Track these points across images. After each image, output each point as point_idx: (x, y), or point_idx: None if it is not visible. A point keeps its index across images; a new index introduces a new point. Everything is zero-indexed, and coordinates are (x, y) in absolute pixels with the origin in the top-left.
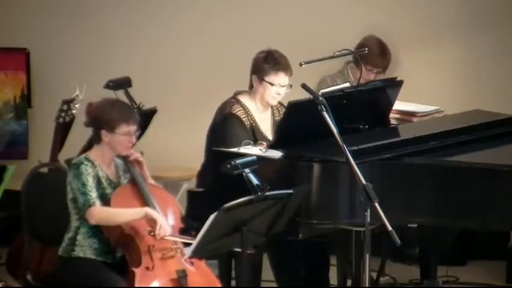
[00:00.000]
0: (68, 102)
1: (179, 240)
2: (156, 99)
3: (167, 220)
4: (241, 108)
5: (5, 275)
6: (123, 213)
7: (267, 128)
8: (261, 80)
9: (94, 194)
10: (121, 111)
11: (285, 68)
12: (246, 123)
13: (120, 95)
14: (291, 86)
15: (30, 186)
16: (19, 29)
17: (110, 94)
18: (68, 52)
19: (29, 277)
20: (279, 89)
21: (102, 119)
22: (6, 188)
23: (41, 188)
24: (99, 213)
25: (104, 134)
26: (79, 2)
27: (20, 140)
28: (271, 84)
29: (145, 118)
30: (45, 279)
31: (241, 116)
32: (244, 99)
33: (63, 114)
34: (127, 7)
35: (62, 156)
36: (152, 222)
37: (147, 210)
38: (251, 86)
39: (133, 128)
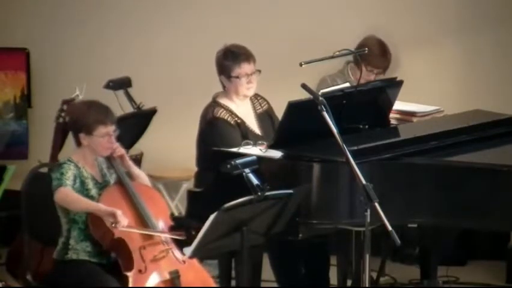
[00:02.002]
0: (68, 102)
1: (139, 232)
2: (156, 99)
3: (156, 217)
4: (223, 110)
5: (5, 275)
6: (80, 201)
7: (252, 123)
8: (229, 77)
9: (69, 182)
10: (97, 113)
11: (246, 58)
12: (232, 122)
13: (120, 95)
14: (259, 71)
15: (30, 186)
16: (19, 29)
17: (110, 94)
18: (68, 52)
19: (29, 277)
20: (248, 78)
21: (79, 123)
22: (6, 188)
23: (41, 188)
24: (65, 193)
25: (83, 137)
26: (79, 2)
27: (20, 140)
28: (238, 77)
29: (145, 118)
30: (43, 281)
31: (225, 117)
32: (223, 100)
33: (63, 114)
34: (127, 7)
35: (62, 156)
36: (110, 215)
37: (101, 206)
38: (224, 87)
39: (111, 128)
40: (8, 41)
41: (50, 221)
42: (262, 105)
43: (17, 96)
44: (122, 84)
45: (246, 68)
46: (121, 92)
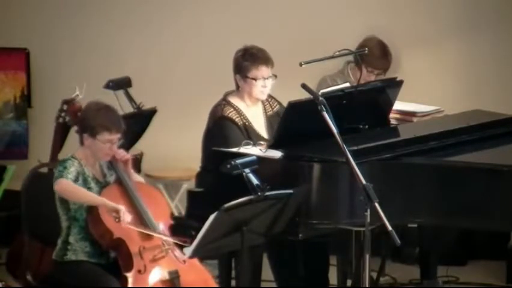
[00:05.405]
0: (68, 102)
1: (142, 231)
2: (156, 99)
3: (156, 217)
4: (232, 109)
5: (5, 275)
6: (84, 194)
7: (260, 125)
8: (245, 77)
9: (70, 176)
10: (105, 118)
11: (264, 61)
12: (239, 123)
13: (120, 95)
14: (275, 76)
15: (30, 186)
16: (19, 29)
17: (110, 94)
18: (68, 52)
19: (29, 277)
20: (264, 82)
21: (85, 123)
22: (6, 188)
23: (41, 188)
24: (66, 184)
25: (86, 138)
26: (79, 2)
27: (20, 140)
28: (255, 79)
29: (145, 118)
30: (42, 281)
31: (234, 117)
32: (234, 99)
33: (63, 114)
34: (127, 7)
35: (62, 156)
36: (114, 211)
37: (104, 200)
38: (237, 86)
39: (115, 136)
40: (8, 41)
41: (50, 221)
42: (273, 106)
43: (17, 96)
44: (122, 84)
45: (263, 71)
46: (121, 92)
